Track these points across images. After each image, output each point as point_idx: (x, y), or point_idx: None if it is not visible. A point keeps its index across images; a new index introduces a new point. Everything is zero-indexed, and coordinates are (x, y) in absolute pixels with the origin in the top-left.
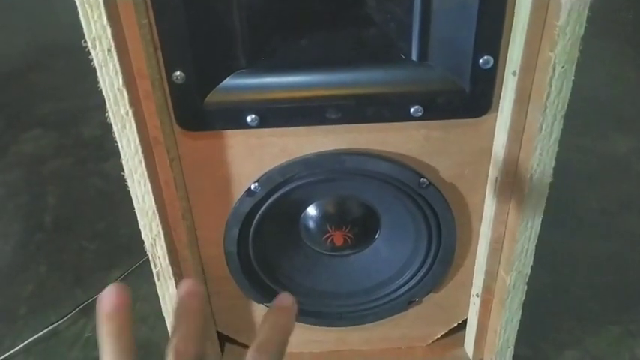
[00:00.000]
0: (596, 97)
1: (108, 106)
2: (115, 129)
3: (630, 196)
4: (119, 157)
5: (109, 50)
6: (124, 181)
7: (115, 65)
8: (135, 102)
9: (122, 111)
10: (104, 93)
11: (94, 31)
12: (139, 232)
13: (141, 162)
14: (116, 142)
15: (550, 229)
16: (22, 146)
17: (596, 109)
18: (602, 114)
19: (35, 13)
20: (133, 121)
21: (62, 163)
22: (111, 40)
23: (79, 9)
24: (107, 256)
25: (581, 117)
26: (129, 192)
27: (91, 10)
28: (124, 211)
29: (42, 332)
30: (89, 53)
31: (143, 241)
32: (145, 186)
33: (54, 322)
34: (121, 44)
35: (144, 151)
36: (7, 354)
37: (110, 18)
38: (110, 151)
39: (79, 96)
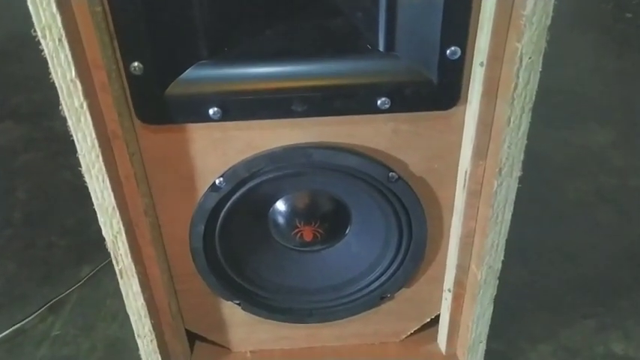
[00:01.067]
0: (575, 88)
1: (61, 98)
2: (69, 122)
3: (607, 189)
4: None
5: (60, 40)
6: None
7: (66, 56)
8: (90, 94)
9: (76, 104)
10: (57, 85)
11: (43, 19)
12: None
13: (98, 157)
14: None
15: (526, 221)
16: None
17: (575, 101)
18: (580, 106)
19: (6, 3)
20: (88, 114)
21: (33, 157)
22: (61, 29)
23: None
24: (77, 252)
25: (560, 109)
26: None
27: None
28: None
29: (8, 331)
30: None
31: None
32: (103, 182)
33: (21, 320)
34: (72, 33)
35: (101, 145)
36: None
37: (60, 5)
38: None
39: (51, 87)
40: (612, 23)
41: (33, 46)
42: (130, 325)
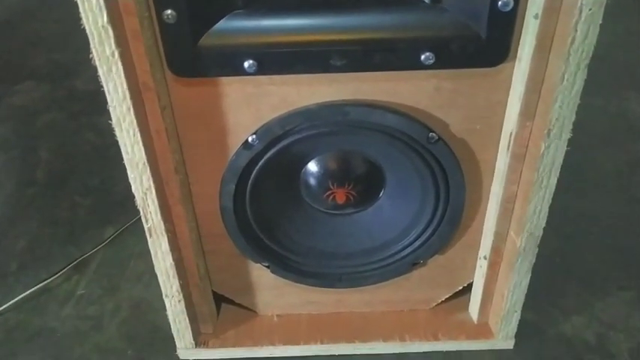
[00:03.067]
0: (610, 55)
1: (92, 46)
2: (100, 72)
3: None
4: None
5: None
6: None
7: (98, 0)
8: (122, 42)
9: (107, 52)
10: (87, 31)
11: None
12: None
13: (129, 109)
14: None
15: (559, 190)
16: (13, 98)
17: (610, 68)
18: (615, 73)
19: None
20: (119, 64)
21: (55, 117)
22: None
23: None
24: (101, 212)
25: (596, 75)
26: None
27: None
28: (119, 167)
29: (33, 289)
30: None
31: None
32: (134, 135)
33: (46, 279)
34: None
35: (132, 97)
36: None
37: None
38: (104, 106)
39: (72, 48)
40: None
41: (51, 5)
42: (155, 286)
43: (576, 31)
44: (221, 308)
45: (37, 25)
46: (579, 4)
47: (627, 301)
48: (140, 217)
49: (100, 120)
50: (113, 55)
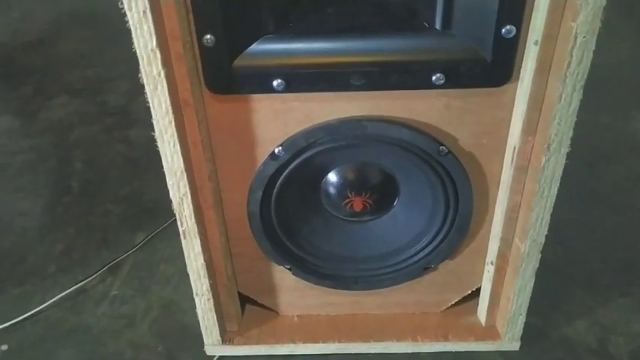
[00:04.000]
0: (618, 74)
1: (141, 66)
2: (147, 89)
3: None
4: (143, 124)
5: (144, 12)
6: (148, 148)
7: (149, 27)
8: (167, 63)
9: (155, 72)
10: (138, 54)
11: None
12: (163, 198)
13: (171, 122)
14: (143, 108)
15: (564, 202)
16: (49, 112)
17: (618, 87)
18: (623, 92)
19: None
20: (164, 82)
21: (88, 130)
22: (146, 2)
23: None
24: (132, 219)
25: (602, 94)
26: (153, 159)
27: None
28: (148, 177)
29: (70, 289)
30: (115, 21)
31: (166, 206)
32: (174, 146)
33: (82, 280)
34: (155, 6)
35: (174, 112)
36: (37, 309)
37: None
38: (134, 119)
39: (103, 65)
40: None
41: (84, 24)
42: (183, 288)
43: (572, 56)
44: (245, 308)
45: (69, 44)
46: (574, 32)
47: (628, 306)
48: (168, 224)
49: (129, 133)
50: (159, 74)
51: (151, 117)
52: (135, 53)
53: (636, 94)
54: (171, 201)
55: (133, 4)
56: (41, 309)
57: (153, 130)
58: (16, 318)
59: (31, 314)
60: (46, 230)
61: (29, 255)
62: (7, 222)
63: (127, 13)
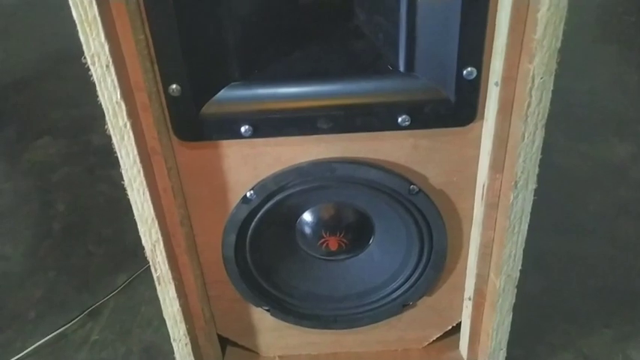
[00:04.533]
0: (597, 101)
1: (107, 118)
2: (114, 140)
3: (627, 201)
4: None
5: (107, 66)
6: None
7: (112, 80)
8: (132, 114)
9: (120, 123)
10: (103, 106)
11: (92, 48)
12: None
13: (139, 171)
14: None
15: (546, 232)
16: (32, 154)
17: (596, 114)
18: (602, 118)
19: (46, 22)
20: (131, 133)
21: (71, 170)
22: (109, 57)
23: (78, 27)
24: (114, 261)
25: (581, 121)
26: None
27: (90, 28)
28: (131, 217)
29: (50, 335)
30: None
31: None
32: (143, 194)
33: (62, 326)
34: (118, 60)
35: (142, 161)
36: (17, 356)
37: (108, 35)
38: (117, 159)
39: (88, 103)
40: (635, 36)
41: (68, 64)
42: (164, 330)
43: (531, 96)
44: (226, 350)
45: (53, 84)
46: (531, 73)
47: (611, 337)
48: (149, 266)
49: (113, 172)
50: (125, 125)
51: None
52: None
53: (614, 121)
54: None
55: (96, 59)
56: (21, 356)
57: None
58: None
59: None
60: (26, 275)
61: (9, 301)
62: None
63: (91, 67)
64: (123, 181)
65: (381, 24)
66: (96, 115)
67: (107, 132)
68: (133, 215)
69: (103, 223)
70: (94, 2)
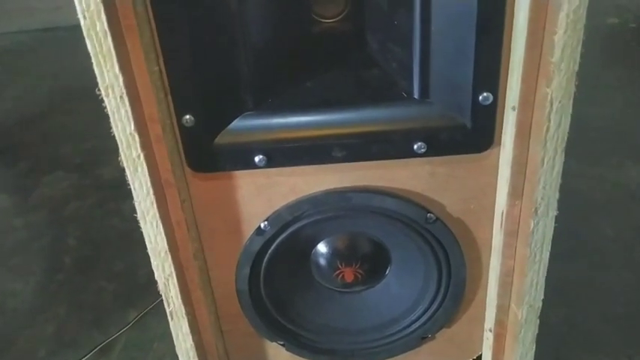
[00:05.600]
0: (609, 125)
1: (120, 150)
2: (127, 172)
3: None
4: None
5: (121, 97)
6: None
7: (127, 111)
8: (146, 146)
9: (134, 155)
10: (117, 138)
11: (106, 79)
12: None
13: (153, 203)
14: None
15: (563, 259)
16: (44, 189)
17: (610, 138)
18: (616, 142)
19: (56, 58)
20: (144, 165)
21: (82, 205)
22: (122, 88)
23: (93, 59)
24: (125, 296)
25: (595, 146)
26: None
27: (104, 60)
28: (143, 251)
29: None
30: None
31: None
32: (157, 227)
33: None
34: (132, 91)
35: (155, 193)
36: None
37: (122, 67)
38: (128, 192)
39: (99, 137)
40: None
41: (79, 99)
42: None
43: (550, 120)
44: None
45: (64, 119)
46: (549, 97)
47: None
48: (161, 300)
49: (124, 206)
50: (139, 157)
51: None
52: None
53: (628, 144)
54: None
55: (110, 91)
56: None
57: None
58: None
59: None
60: (37, 311)
61: (19, 338)
62: None
63: (105, 99)
64: (135, 214)
65: (393, 51)
66: (106, 149)
67: (118, 165)
68: (144, 249)
69: (115, 258)
70: (109, 35)
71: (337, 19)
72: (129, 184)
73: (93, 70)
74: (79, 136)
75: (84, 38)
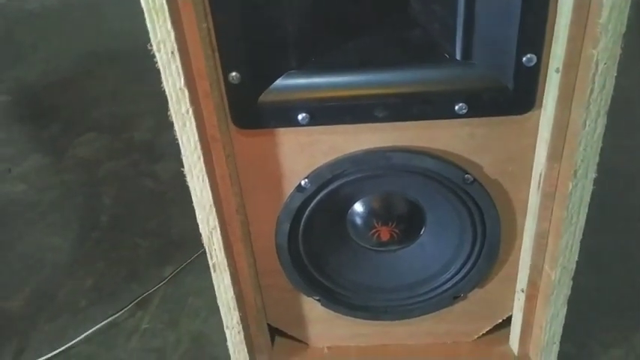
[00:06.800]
0: (637, 96)
1: (170, 105)
2: (176, 127)
3: None
4: (169, 159)
5: (172, 53)
6: (174, 182)
7: (177, 67)
8: (194, 101)
9: (183, 109)
10: (167, 93)
11: (158, 35)
12: (189, 231)
13: (199, 158)
14: (168, 143)
15: (595, 228)
16: (77, 149)
17: (638, 109)
18: None
19: (86, 22)
20: (192, 119)
21: (116, 165)
22: (174, 43)
23: (146, 15)
24: (160, 252)
25: (625, 117)
26: (179, 193)
27: (157, 16)
28: (175, 211)
29: (102, 324)
30: (137, 60)
31: (193, 239)
32: (203, 181)
33: (112, 315)
34: (182, 47)
35: (202, 148)
36: (70, 343)
37: (174, 23)
38: (160, 154)
39: (127, 102)
40: None
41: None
42: (212, 321)
43: (594, 83)
44: (275, 340)
45: (94, 82)
46: (595, 59)
47: None
48: (196, 257)
49: (156, 167)
50: (187, 112)
51: (176, 152)
52: (159, 91)
53: None
54: (198, 235)
55: (162, 46)
56: (73, 344)
57: (179, 165)
58: (48, 353)
59: (64, 349)
60: (76, 265)
61: (60, 290)
62: (39, 258)
63: (156, 54)
64: (173, 174)
65: (436, 12)
66: (135, 113)
67: (148, 128)
68: (176, 209)
69: (148, 217)
70: None
71: None
72: (160, 147)
73: (118, 36)
74: (108, 100)
75: (111, 3)
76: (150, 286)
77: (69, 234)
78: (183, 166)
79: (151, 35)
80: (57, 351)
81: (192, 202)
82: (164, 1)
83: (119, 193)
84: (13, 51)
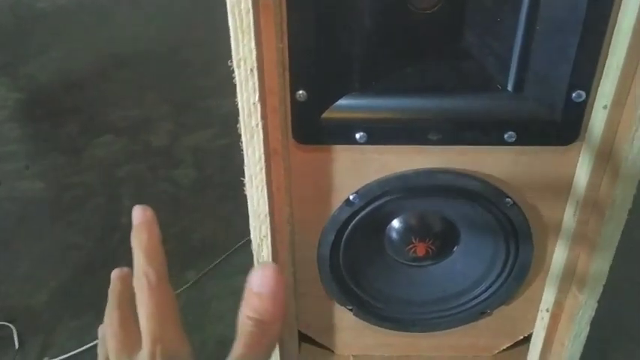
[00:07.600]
0: None
1: (241, 118)
2: (243, 139)
3: None
4: (187, 166)
5: (252, 70)
6: (194, 188)
7: (254, 83)
8: (264, 116)
9: (253, 123)
10: (239, 106)
11: (241, 52)
12: (210, 237)
13: (262, 169)
14: (185, 150)
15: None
16: (95, 150)
17: None
18: None
19: (98, 26)
20: (261, 133)
21: (134, 168)
22: (254, 62)
23: (232, 33)
24: (181, 257)
25: None
26: (198, 200)
27: (242, 35)
28: (195, 218)
29: None
30: (153, 65)
31: (214, 245)
32: (261, 191)
33: None
34: (260, 65)
35: (265, 160)
36: (95, 342)
37: (256, 42)
38: (178, 160)
39: (143, 106)
40: None
41: (120, 68)
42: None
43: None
44: (300, 347)
45: (111, 85)
46: None
47: None
48: (217, 263)
49: (174, 173)
50: (257, 125)
51: (194, 159)
52: (171, 97)
53: None
54: (218, 241)
55: (242, 63)
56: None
57: (197, 173)
58: (74, 350)
59: (89, 347)
60: (99, 264)
61: (84, 288)
62: (62, 255)
63: (235, 70)
64: (199, 173)
65: (492, 46)
66: (151, 118)
67: (165, 134)
68: (197, 216)
69: (168, 221)
70: (251, 12)
71: (431, 10)
72: (179, 153)
73: (132, 41)
74: (123, 104)
75: (122, 5)
76: (173, 289)
77: (90, 234)
78: (202, 174)
79: (233, 52)
80: (82, 348)
81: (212, 210)
82: (251, 22)
83: (138, 196)
84: (25, 49)
